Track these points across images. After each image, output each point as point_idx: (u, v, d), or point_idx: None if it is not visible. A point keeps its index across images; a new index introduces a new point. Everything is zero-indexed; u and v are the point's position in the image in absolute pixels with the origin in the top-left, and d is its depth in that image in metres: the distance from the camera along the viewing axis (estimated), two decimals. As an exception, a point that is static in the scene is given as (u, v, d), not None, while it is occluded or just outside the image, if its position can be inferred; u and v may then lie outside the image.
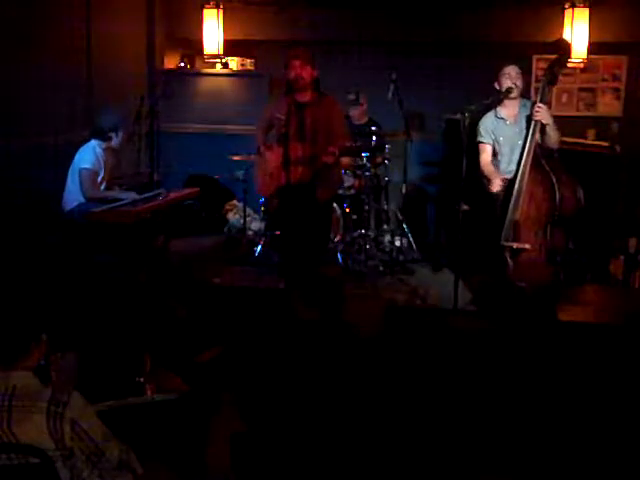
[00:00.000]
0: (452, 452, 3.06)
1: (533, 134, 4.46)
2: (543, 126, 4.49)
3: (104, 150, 5.14)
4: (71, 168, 5.07)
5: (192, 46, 7.31)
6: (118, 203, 4.90)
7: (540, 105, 4.46)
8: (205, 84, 7.31)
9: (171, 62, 7.41)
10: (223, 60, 7.15)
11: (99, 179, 5.11)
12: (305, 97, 4.94)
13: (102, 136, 5.10)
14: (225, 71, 7.24)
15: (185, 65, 7.40)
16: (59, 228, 5.01)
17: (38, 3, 5.30)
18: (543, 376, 3.63)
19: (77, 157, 5.06)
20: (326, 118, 4.94)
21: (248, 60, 7.29)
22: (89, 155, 5.04)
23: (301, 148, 4.92)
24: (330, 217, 5.53)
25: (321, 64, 5.07)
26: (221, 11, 6.99)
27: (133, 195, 5.11)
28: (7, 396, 1.97)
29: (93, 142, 5.11)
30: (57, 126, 5.48)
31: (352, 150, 5.53)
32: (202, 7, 7.01)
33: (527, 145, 4.47)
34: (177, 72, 7.33)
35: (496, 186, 4.60)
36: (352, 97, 6.29)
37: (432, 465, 3.00)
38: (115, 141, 5.17)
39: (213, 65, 7.26)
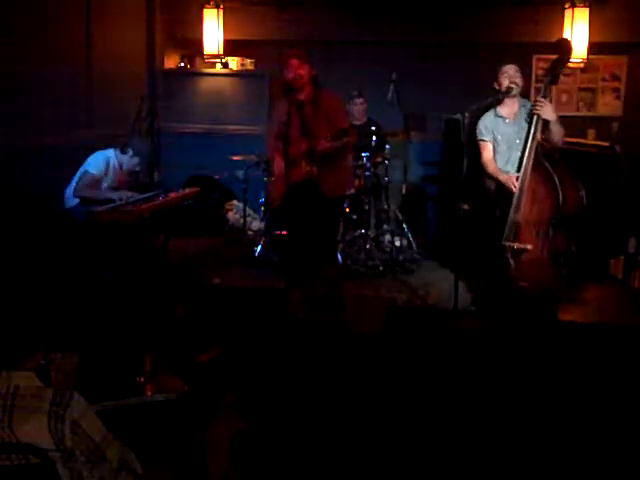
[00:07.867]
0: (452, 452, 3.06)
1: (535, 133, 4.38)
2: (546, 123, 4.43)
3: (118, 160, 5.18)
4: (81, 167, 5.08)
5: (192, 46, 7.32)
6: (117, 203, 4.90)
7: (541, 99, 4.40)
8: (205, 84, 7.31)
9: (171, 62, 7.42)
10: (223, 60, 7.16)
11: (103, 185, 5.13)
12: (304, 94, 4.94)
13: (121, 149, 5.13)
14: (225, 71, 7.24)
15: (185, 65, 7.40)
16: (59, 227, 5.01)
17: (38, 3, 5.30)
18: (543, 376, 3.63)
19: (89, 159, 5.10)
20: (325, 111, 4.93)
21: (248, 60, 7.29)
22: (99, 161, 5.09)
23: (304, 145, 4.90)
24: (338, 218, 5.41)
25: (321, 64, 5.07)
26: (221, 11, 7.00)
27: (127, 194, 5.09)
28: (9, 396, 1.96)
29: (111, 151, 5.16)
30: (57, 126, 5.48)
31: (351, 131, 5.32)
32: (202, 7, 7.02)
33: (528, 145, 4.40)
34: (177, 72, 7.34)
35: (514, 188, 4.45)
36: (355, 92, 6.29)
37: (432, 465, 3.00)
38: (127, 161, 5.19)
39: (213, 65, 7.27)
